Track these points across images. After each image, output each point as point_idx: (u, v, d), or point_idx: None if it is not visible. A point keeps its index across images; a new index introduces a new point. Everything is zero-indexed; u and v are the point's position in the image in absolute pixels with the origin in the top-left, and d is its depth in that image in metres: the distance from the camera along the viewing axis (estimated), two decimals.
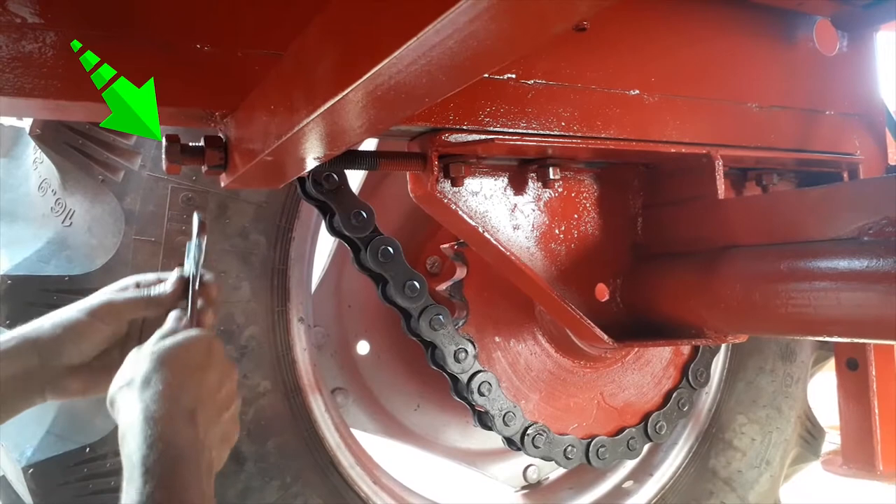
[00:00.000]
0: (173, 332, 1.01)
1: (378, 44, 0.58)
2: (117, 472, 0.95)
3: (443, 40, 0.53)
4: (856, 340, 1.66)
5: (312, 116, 0.76)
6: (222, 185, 1.19)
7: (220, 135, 1.16)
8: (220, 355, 1.02)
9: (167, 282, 1.13)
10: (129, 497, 0.81)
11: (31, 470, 1.46)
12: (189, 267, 1.12)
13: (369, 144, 1.78)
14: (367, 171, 1.89)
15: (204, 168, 1.16)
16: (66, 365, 1.05)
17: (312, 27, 0.75)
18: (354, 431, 1.94)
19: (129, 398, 0.90)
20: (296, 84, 0.80)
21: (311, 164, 1.02)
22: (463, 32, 0.51)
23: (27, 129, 1.52)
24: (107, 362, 1.08)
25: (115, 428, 1.40)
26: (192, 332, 1.01)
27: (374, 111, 0.73)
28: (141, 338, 1.08)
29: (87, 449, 1.47)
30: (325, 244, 2.00)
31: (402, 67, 0.59)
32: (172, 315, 1.05)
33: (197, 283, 1.10)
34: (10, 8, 0.99)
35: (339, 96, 0.68)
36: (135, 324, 1.12)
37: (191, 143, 1.16)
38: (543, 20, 0.50)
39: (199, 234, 1.11)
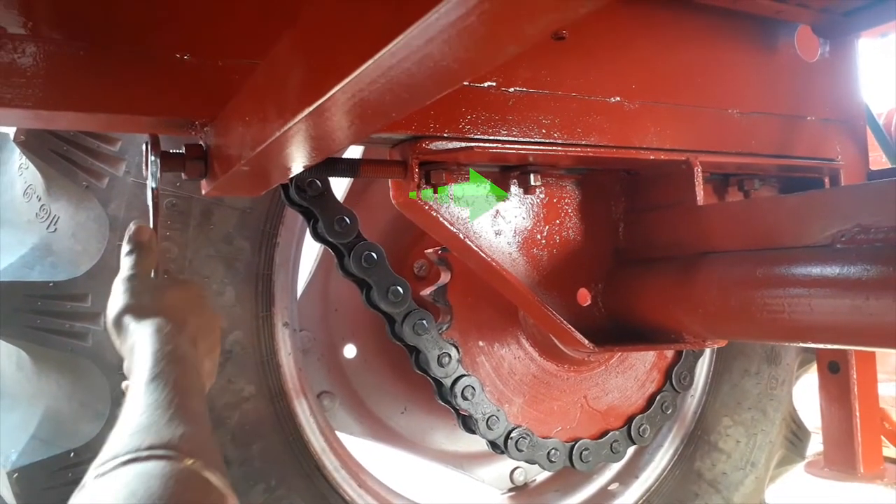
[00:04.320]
0: (144, 254, 1.06)
1: (341, 63, 0.60)
2: None
3: (399, 61, 0.54)
4: (829, 347, 1.68)
5: (284, 128, 0.77)
6: (203, 192, 1.21)
7: (201, 143, 1.17)
8: (208, 301, 1.11)
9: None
10: (140, 397, 0.83)
11: (16, 474, 1.47)
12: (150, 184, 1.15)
13: (354, 151, 1.80)
14: (352, 178, 1.91)
15: (184, 176, 1.17)
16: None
17: (283, 42, 0.76)
18: (341, 435, 1.95)
19: (138, 325, 0.95)
20: (268, 97, 0.81)
21: (289, 172, 1.03)
22: (419, 54, 0.53)
23: (12, 136, 1.53)
24: None
25: (99, 434, 1.41)
26: (185, 278, 1.09)
27: (344, 124, 0.74)
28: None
29: (72, 454, 1.48)
30: (312, 249, 2.02)
31: (365, 85, 0.61)
32: (133, 232, 1.08)
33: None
34: None
35: (308, 110, 0.69)
36: None
37: (172, 151, 1.18)
38: (496, 43, 0.51)
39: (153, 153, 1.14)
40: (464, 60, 0.55)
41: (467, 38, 0.49)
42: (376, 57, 0.53)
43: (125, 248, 1.06)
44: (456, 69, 0.57)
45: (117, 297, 1.00)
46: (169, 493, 0.70)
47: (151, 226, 1.12)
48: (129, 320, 0.97)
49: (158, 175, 1.14)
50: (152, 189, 1.14)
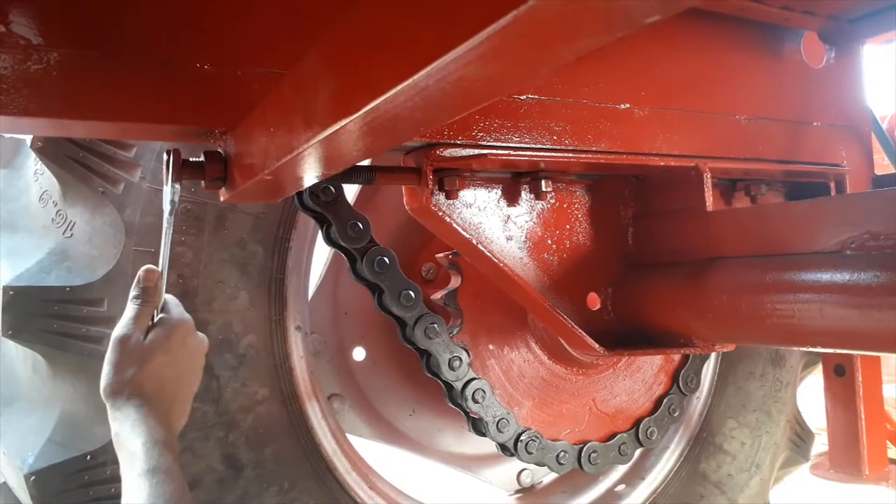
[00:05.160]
0: (146, 301, 1.14)
1: (376, 81, 0.61)
2: (117, 479, 1.01)
3: (437, 82, 0.56)
4: (838, 351, 1.70)
5: (311, 143, 0.78)
6: (221, 199, 1.22)
7: (220, 151, 1.19)
8: (192, 337, 1.19)
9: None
10: (136, 491, 0.96)
11: (33, 477, 1.48)
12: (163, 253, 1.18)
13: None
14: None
15: (204, 183, 1.19)
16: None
17: (311, 55, 0.78)
18: (351, 437, 1.96)
19: (122, 411, 1.06)
20: (295, 110, 0.83)
21: (308, 182, 1.05)
22: (456, 74, 0.54)
23: (28, 142, 1.54)
24: None
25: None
26: (167, 328, 1.14)
27: (370, 139, 0.76)
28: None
29: (88, 456, 1.50)
30: (322, 253, 2.03)
31: (398, 103, 0.62)
32: (142, 276, 1.16)
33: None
34: (15, 30, 1.02)
35: (337, 126, 0.71)
36: None
37: (191, 158, 1.19)
38: (531, 65, 0.53)
39: (170, 213, 1.17)
40: (497, 80, 0.56)
41: (506, 59, 0.51)
42: (414, 77, 0.55)
43: (133, 291, 1.14)
44: (488, 89, 0.58)
45: (106, 364, 1.09)
46: None
47: (164, 253, 1.18)
48: (111, 401, 1.07)
49: (177, 203, 1.17)
50: (169, 216, 1.17)
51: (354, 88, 0.66)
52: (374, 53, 0.61)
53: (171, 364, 1.12)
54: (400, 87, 0.57)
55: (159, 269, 1.17)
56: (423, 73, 0.53)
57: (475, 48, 0.48)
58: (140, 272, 1.15)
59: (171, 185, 1.15)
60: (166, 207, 1.17)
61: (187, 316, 1.19)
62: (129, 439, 1.02)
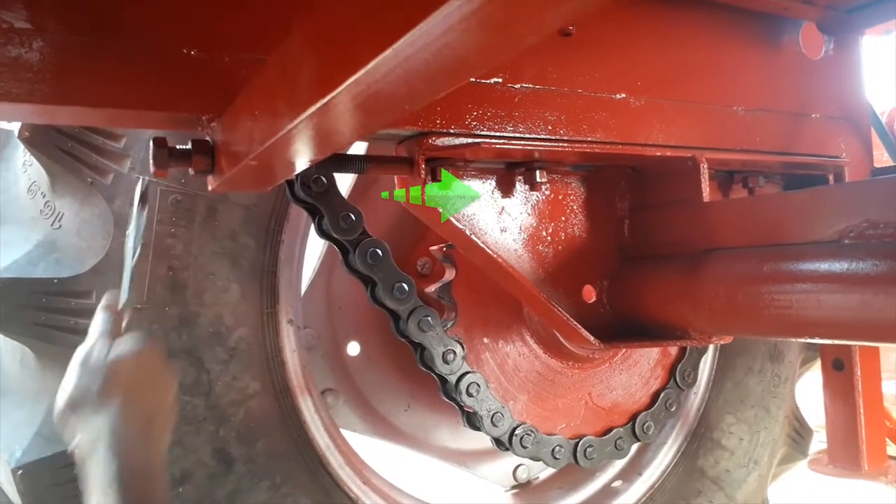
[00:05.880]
0: (111, 335, 1.10)
1: (356, 53, 0.59)
2: None
3: (418, 51, 0.54)
4: (837, 342, 1.68)
5: (295, 122, 0.76)
6: (209, 188, 1.20)
7: (208, 139, 1.17)
8: (158, 375, 1.14)
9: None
10: None
11: (21, 471, 1.46)
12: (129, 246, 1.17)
13: (358, 148, 1.80)
14: (357, 175, 1.91)
15: (191, 171, 1.17)
16: None
17: (294, 35, 0.76)
18: (345, 432, 1.94)
19: (86, 419, 1.02)
20: (279, 91, 0.81)
21: (296, 168, 1.03)
22: (437, 43, 0.52)
23: (16, 132, 1.52)
24: None
25: None
26: (126, 361, 1.09)
27: (355, 118, 0.74)
28: None
29: None
30: (316, 246, 2.01)
31: (380, 77, 0.60)
32: (102, 319, 1.14)
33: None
34: None
35: (320, 103, 0.69)
36: None
37: (178, 147, 1.17)
38: (515, 32, 0.51)
39: (140, 207, 1.16)
40: (481, 50, 0.54)
41: (487, 26, 0.49)
42: (394, 47, 0.53)
43: (102, 302, 1.14)
44: (472, 59, 0.56)
45: (65, 383, 1.07)
46: None
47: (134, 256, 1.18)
48: (71, 419, 1.04)
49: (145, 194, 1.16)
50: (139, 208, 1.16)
51: (335, 64, 0.64)
52: (352, 26, 0.60)
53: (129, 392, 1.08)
54: (380, 57, 0.55)
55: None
56: (402, 41, 0.51)
57: (453, 13, 0.46)
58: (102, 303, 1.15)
59: (141, 178, 1.14)
60: (136, 199, 1.15)
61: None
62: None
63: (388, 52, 0.54)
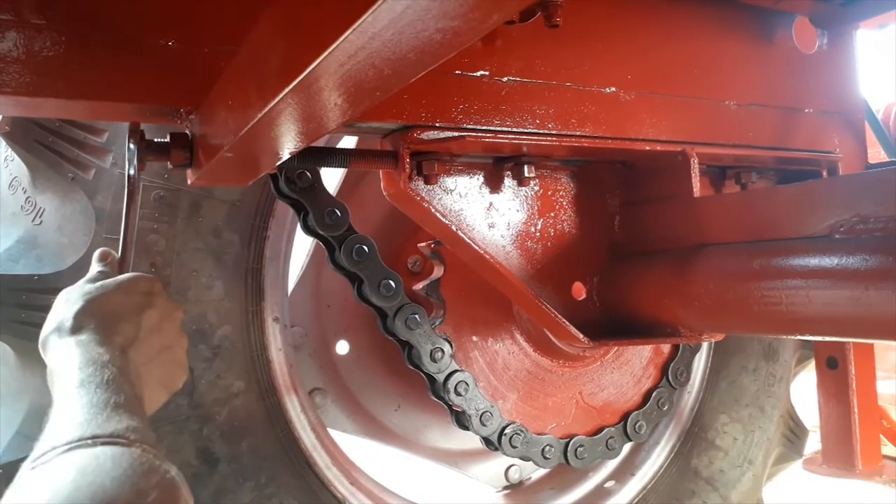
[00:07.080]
0: (104, 275, 1.05)
1: (321, 35, 0.57)
2: None
3: (380, 30, 0.52)
4: (827, 339, 1.66)
5: (265, 110, 0.74)
6: (189, 182, 1.18)
7: (187, 131, 1.14)
8: (159, 297, 1.05)
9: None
10: (71, 400, 0.78)
11: (1, 470, 1.44)
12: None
13: (347, 143, 1.77)
14: (345, 170, 1.89)
15: (169, 165, 1.15)
16: None
17: (263, 22, 0.74)
18: (333, 432, 1.92)
19: (60, 342, 0.92)
20: (249, 79, 0.79)
21: (273, 160, 1.01)
22: (400, 22, 0.50)
23: None
24: None
25: None
26: (127, 275, 1.04)
27: (325, 104, 0.72)
28: None
29: None
30: (304, 243, 1.99)
31: (346, 59, 0.58)
32: (97, 256, 1.10)
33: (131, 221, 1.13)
34: None
35: (288, 88, 0.67)
36: None
37: (157, 140, 1.15)
38: (480, 9, 0.49)
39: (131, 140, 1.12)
40: (446, 30, 0.52)
41: (449, 1, 0.47)
42: (357, 25, 0.50)
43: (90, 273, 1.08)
44: (438, 39, 0.54)
45: (50, 315, 0.98)
46: (123, 473, 0.63)
47: (125, 218, 1.11)
48: (53, 339, 0.93)
49: (136, 164, 1.12)
50: (129, 177, 1.12)
51: (301, 46, 0.61)
52: (315, 8, 0.57)
53: (128, 309, 0.98)
54: (344, 35, 0.53)
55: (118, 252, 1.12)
56: (365, 16, 0.49)
57: None
58: (95, 254, 1.10)
59: (129, 165, 1.11)
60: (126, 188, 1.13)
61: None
62: (65, 367, 0.84)
63: (349, 31, 0.51)
